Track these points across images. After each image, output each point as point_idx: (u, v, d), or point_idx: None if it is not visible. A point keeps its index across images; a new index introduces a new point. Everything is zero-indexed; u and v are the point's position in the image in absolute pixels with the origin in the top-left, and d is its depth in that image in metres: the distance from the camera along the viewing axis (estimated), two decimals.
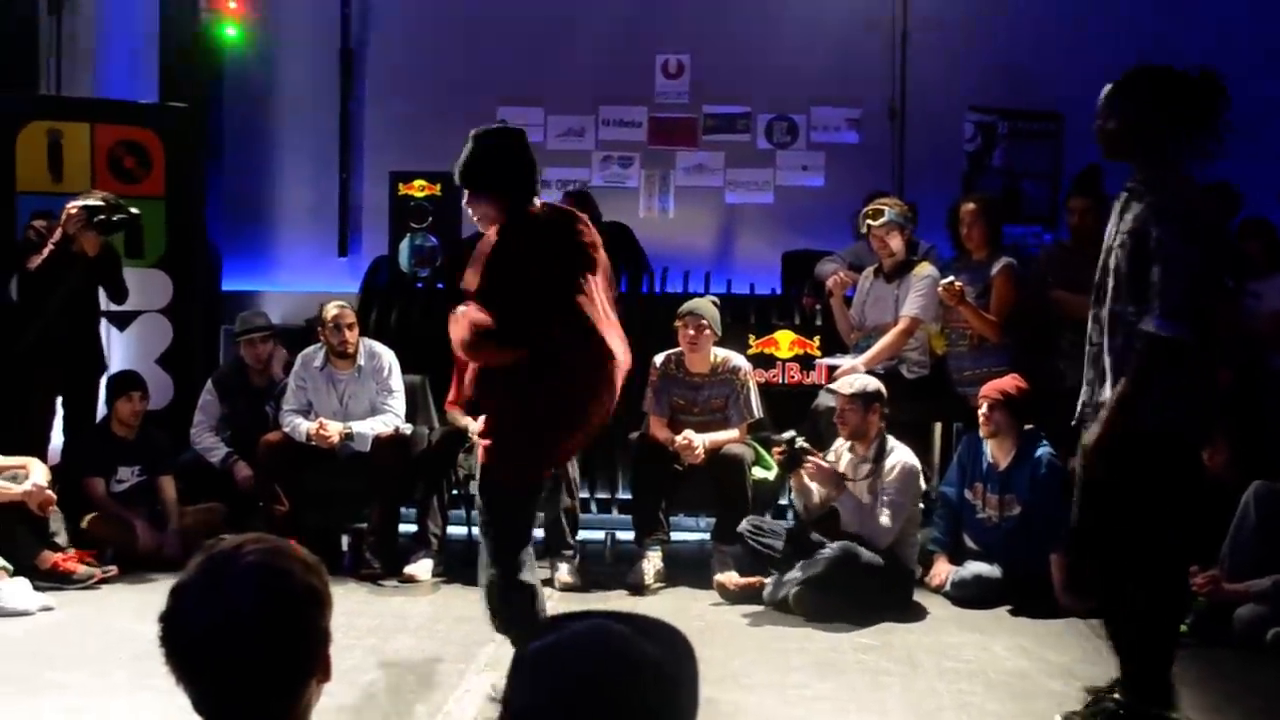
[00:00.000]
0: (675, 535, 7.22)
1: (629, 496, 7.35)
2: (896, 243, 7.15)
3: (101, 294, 7.40)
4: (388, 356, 7.30)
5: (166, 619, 1.87)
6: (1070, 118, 9.88)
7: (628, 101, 10.49)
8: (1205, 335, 4.19)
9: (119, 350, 7.99)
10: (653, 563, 6.67)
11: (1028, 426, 6.45)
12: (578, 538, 6.92)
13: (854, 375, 6.56)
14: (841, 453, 6.44)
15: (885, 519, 6.13)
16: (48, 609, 5.93)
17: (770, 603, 6.18)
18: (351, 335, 7.18)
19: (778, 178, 10.47)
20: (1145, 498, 4.26)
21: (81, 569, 6.39)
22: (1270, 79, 9.17)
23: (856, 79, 10.24)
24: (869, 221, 7.16)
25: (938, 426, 7.50)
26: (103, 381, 7.37)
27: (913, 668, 5.27)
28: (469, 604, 6.17)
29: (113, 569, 6.52)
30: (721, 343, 7.06)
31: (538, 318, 4.49)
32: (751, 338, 7.70)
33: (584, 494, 7.39)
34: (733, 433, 6.92)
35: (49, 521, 6.40)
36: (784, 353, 7.71)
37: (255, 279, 10.34)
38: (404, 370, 7.36)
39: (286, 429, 7.05)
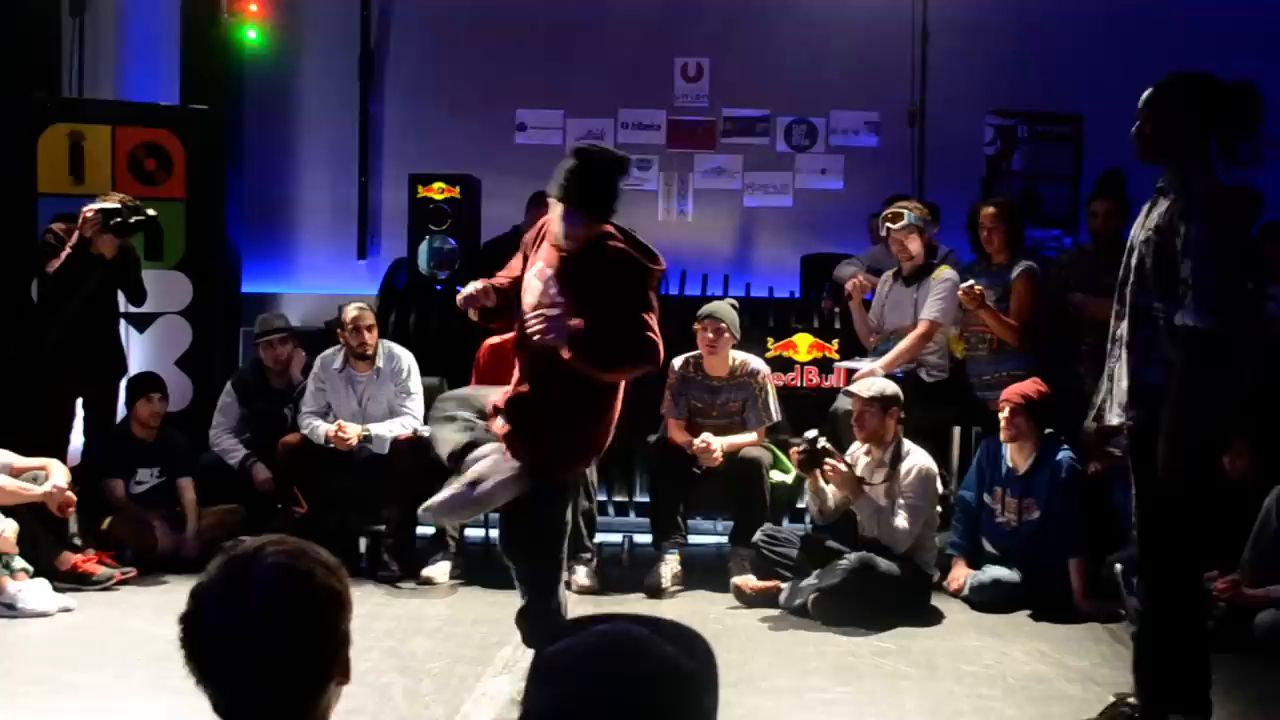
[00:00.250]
0: (693, 538, 7.21)
1: (647, 499, 7.34)
2: (915, 246, 7.14)
3: (120, 296, 7.42)
4: (407, 359, 7.31)
5: (187, 620, 1.88)
6: (1090, 120, 9.86)
7: (647, 104, 10.50)
8: (1236, 331, 4.19)
9: (138, 352, 8.02)
10: (670, 566, 6.67)
11: (1048, 431, 6.42)
12: (595, 540, 6.93)
13: (872, 378, 6.54)
14: (858, 456, 6.43)
15: (902, 522, 6.12)
16: (67, 610, 5.95)
17: (787, 608, 6.17)
18: (371, 337, 7.19)
19: (797, 181, 10.47)
20: (1193, 498, 4.28)
21: (101, 570, 6.41)
22: None
23: (875, 82, 10.22)
24: (888, 225, 7.15)
25: (956, 430, 7.48)
26: (122, 383, 7.39)
27: (931, 672, 5.26)
28: (486, 606, 6.20)
29: (132, 570, 6.54)
30: (740, 346, 7.05)
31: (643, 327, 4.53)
32: (770, 341, 7.69)
33: (601, 496, 7.39)
34: (751, 436, 6.91)
35: (69, 523, 6.42)
36: (802, 356, 7.69)
37: (275, 281, 10.37)
38: (422, 372, 7.37)
39: (305, 431, 7.07)
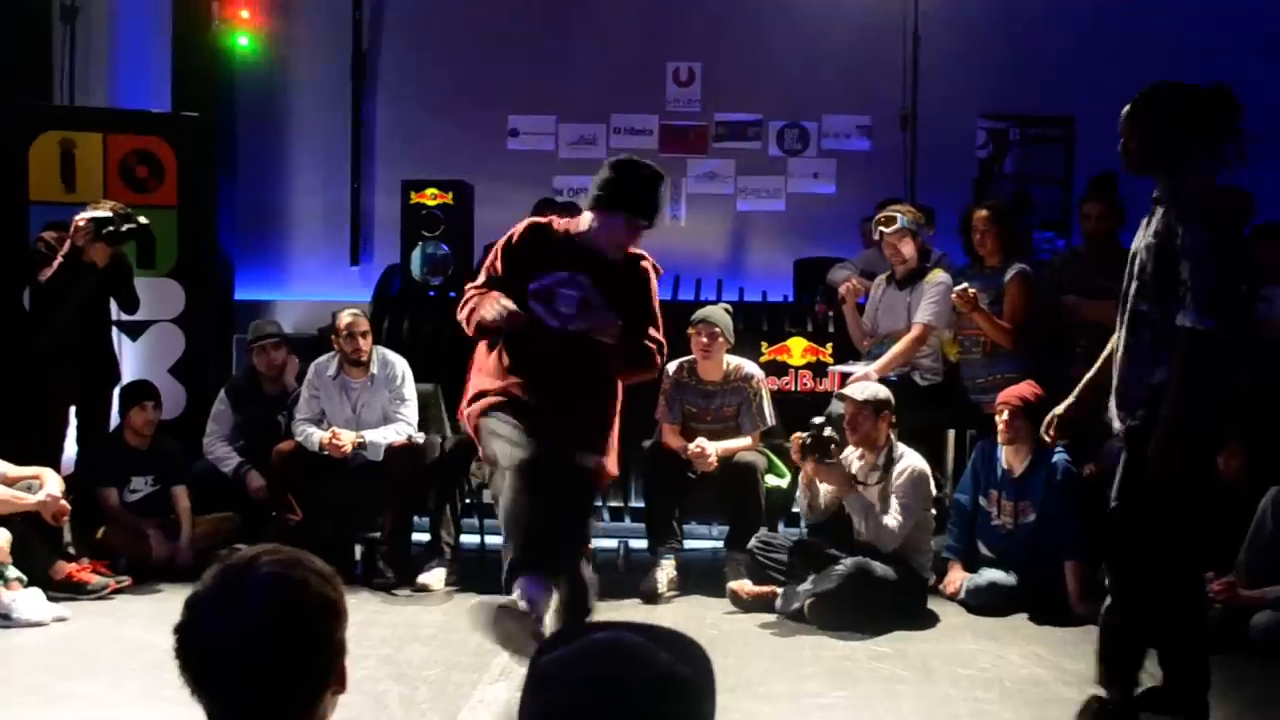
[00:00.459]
0: (688, 543, 7.21)
1: (642, 505, 7.34)
2: (909, 249, 7.14)
3: (113, 304, 7.41)
4: (401, 365, 7.30)
5: (181, 630, 1.87)
6: (1081, 123, 9.88)
7: (639, 109, 10.51)
8: (1232, 333, 4.21)
9: (132, 360, 8.01)
10: (666, 571, 6.66)
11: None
12: (590, 546, 6.91)
13: (865, 382, 6.54)
14: (851, 460, 6.43)
15: (891, 520, 6.10)
16: (62, 619, 5.93)
17: (783, 613, 6.16)
18: (365, 343, 7.18)
19: (789, 185, 10.48)
20: (1188, 499, 4.30)
21: (95, 579, 6.39)
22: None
23: (867, 86, 10.24)
24: (881, 228, 7.16)
25: (951, 434, 7.49)
26: (116, 391, 7.38)
27: (927, 676, 5.25)
28: None
29: (126, 579, 6.53)
30: (734, 350, 7.05)
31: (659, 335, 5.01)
32: (764, 345, 7.70)
33: (597, 502, 7.38)
34: (745, 440, 6.91)
35: (63, 532, 6.41)
36: (796, 360, 7.70)
37: (268, 288, 10.36)
38: (416, 379, 7.36)
39: (299, 438, 7.05)
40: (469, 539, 7.31)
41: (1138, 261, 4.37)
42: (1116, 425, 4.45)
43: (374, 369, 7.23)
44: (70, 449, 7.36)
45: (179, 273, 8.30)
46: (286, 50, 10.54)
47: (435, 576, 6.75)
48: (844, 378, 7.08)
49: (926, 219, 7.68)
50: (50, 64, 9.51)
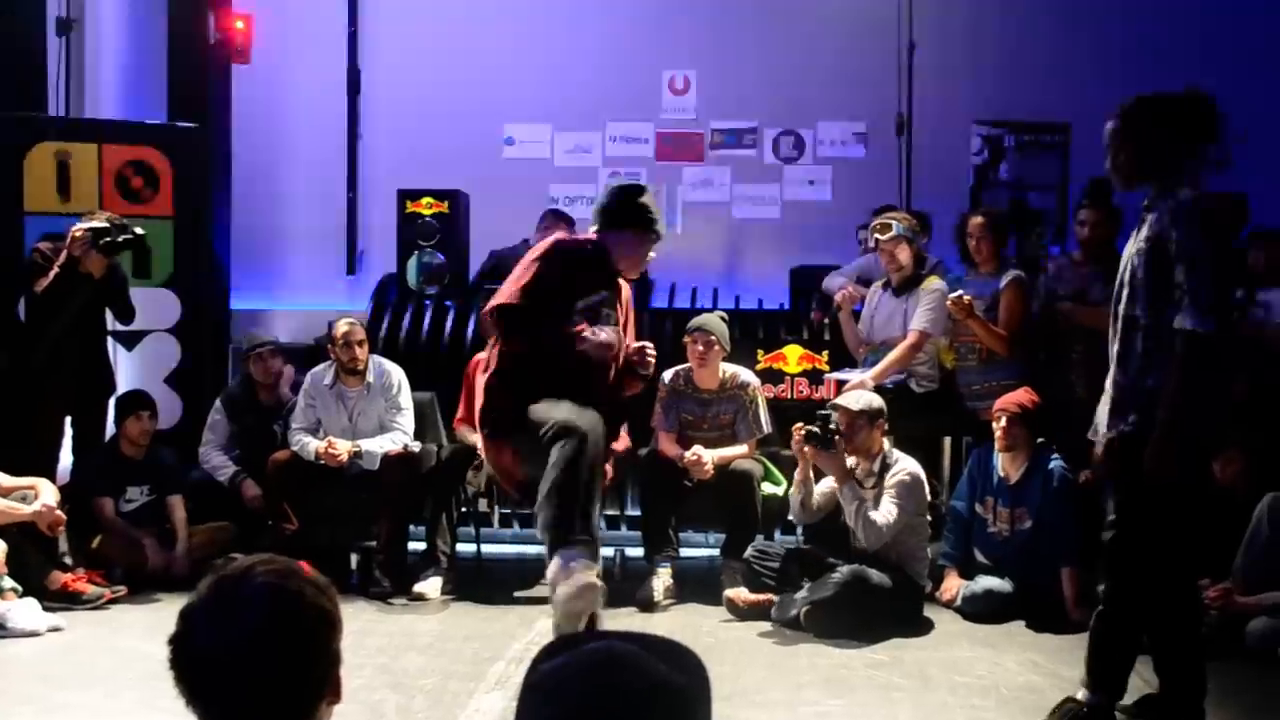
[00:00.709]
0: (684, 551, 7.21)
1: (638, 513, 7.34)
2: (904, 256, 7.14)
3: (109, 314, 7.41)
4: (397, 374, 7.30)
5: (176, 641, 1.86)
6: (1077, 130, 9.90)
7: (635, 118, 10.54)
8: (1229, 337, 4.23)
9: (127, 370, 8.00)
10: (662, 579, 6.66)
11: (1039, 440, 6.43)
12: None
13: (859, 391, 6.54)
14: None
15: (881, 517, 6.07)
16: (57, 629, 5.92)
17: (779, 621, 6.15)
18: (362, 352, 7.18)
19: (785, 192, 10.51)
20: (1184, 504, 4.31)
21: (91, 589, 6.38)
22: (1275, 87, 9.18)
23: (862, 93, 10.26)
24: (877, 235, 7.16)
25: (947, 440, 7.48)
26: (111, 401, 7.37)
27: (924, 683, 5.25)
28: (478, 622, 6.19)
29: (122, 589, 6.51)
30: (730, 358, 7.05)
31: None
32: (760, 353, 7.69)
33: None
34: (742, 448, 6.91)
35: (58, 542, 6.40)
36: (792, 368, 7.69)
37: (263, 297, 10.37)
38: (412, 388, 7.36)
39: (295, 448, 7.05)
40: (465, 548, 7.30)
41: (1129, 268, 4.37)
42: (1101, 431, 4.45)
43: (370, 378, 7.23)
44: (66, 459, 7.35)
45: (174, 283, 8.30)
46: (282, 60, 10.55)
47: (431, 585, 6.74)
48: (840, 385, 7.08)
49: (922, 226, 7.68)
50: (45, 75, 9.50)
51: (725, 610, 6.40)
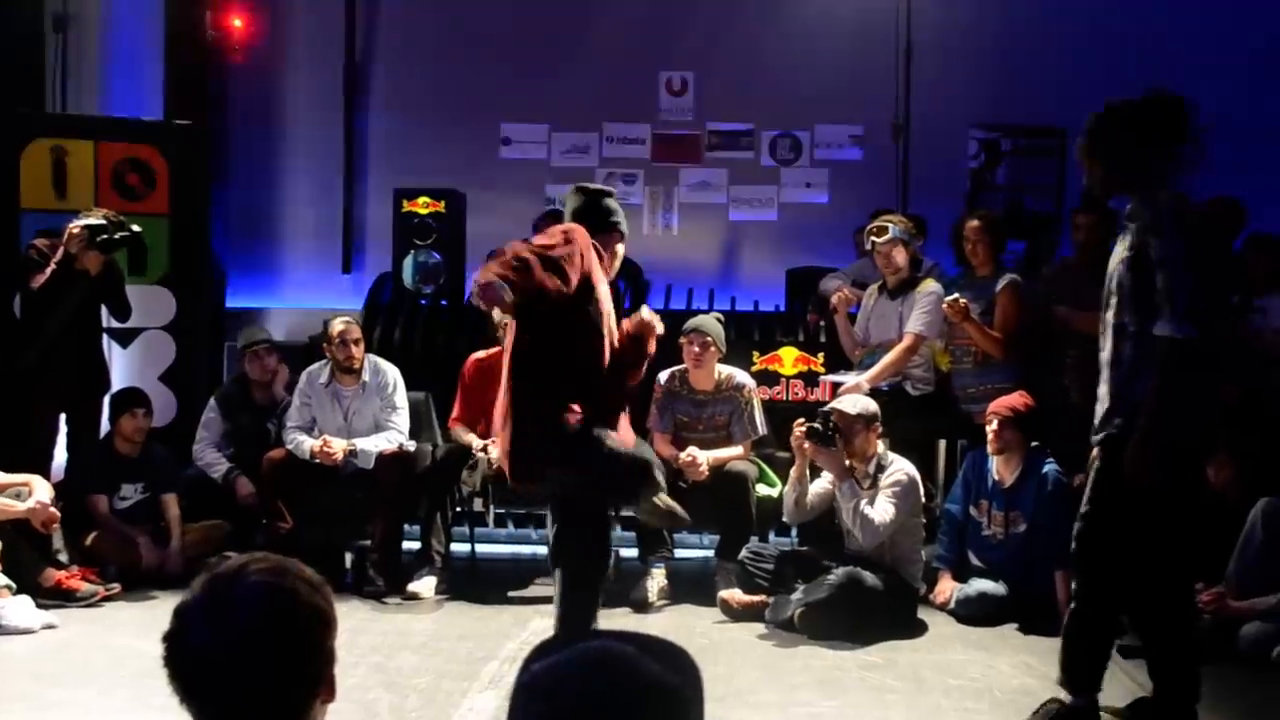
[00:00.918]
0: (679, 552, 7.21)
1: (632, 514, 7.33)
2: (900, 259, 7.14)
3: (104, 311, 7.40)
4: (392, 373, 7.30)
5: (170, 639, 1.86)
6: (1073, 134, 9.87)
7: (632, 118, 10.53)
8: (1212, 341, 4.23)
9: (122, 367, 7.99)
10: (656, 580, 6.66)
11: (1034, 443, 6.43)
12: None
13: (854, 395, 6.54)
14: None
15: (878, 515, 6.07)
16: (51, 627, 5.91)
17: (773, 623, 6.15)
18: (357, 351, 7.18)
19: (782, 194, 10.51)
20: (1149, 506, 4.30)
21: (84, 587, 6.37)
22: (1273, 93, 9.19)
23: (860, 96, 10.27)
24: (873, 238, 7.16)
25: (942, 443, 7.49)
26: (106, 399, 7.36)
27: (918, 685, 5.25)
28: (472, 621, 6.19)
29: (116, 586, 6.50)
30: (726, 360, 7.05)
31: None
32: (756, 355, 7.69)
33: None
34: (737, 450, 6.91)
35: (52, 539, 6.39)
36: (788, 370, 7.70)
37: (259, 296, 10.36)
38: (408, 387, 7.36)
39: (290, 446, 7.05)
40: (459, 547, 7.30)
41: (1114, 278, 4.39)
42: (1095, 438, 4.46)
43: (365, 377, 7.22)
44: (60, 456, 7.34)
45: (170, 280, 8.28)
46: (279, 58, 10.55)
47: (426, 585, 6.73)
48: (836, 387, 7.09)
49: (918, 229, 7.69)
50: (42, 71, 9.51)
51: (719, 611, 6.40)
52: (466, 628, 6.06)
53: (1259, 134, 8.77)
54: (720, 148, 10.55)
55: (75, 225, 6.97)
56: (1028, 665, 5.53)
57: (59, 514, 6.31)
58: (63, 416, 7.29)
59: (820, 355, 7.71)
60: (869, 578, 6.04)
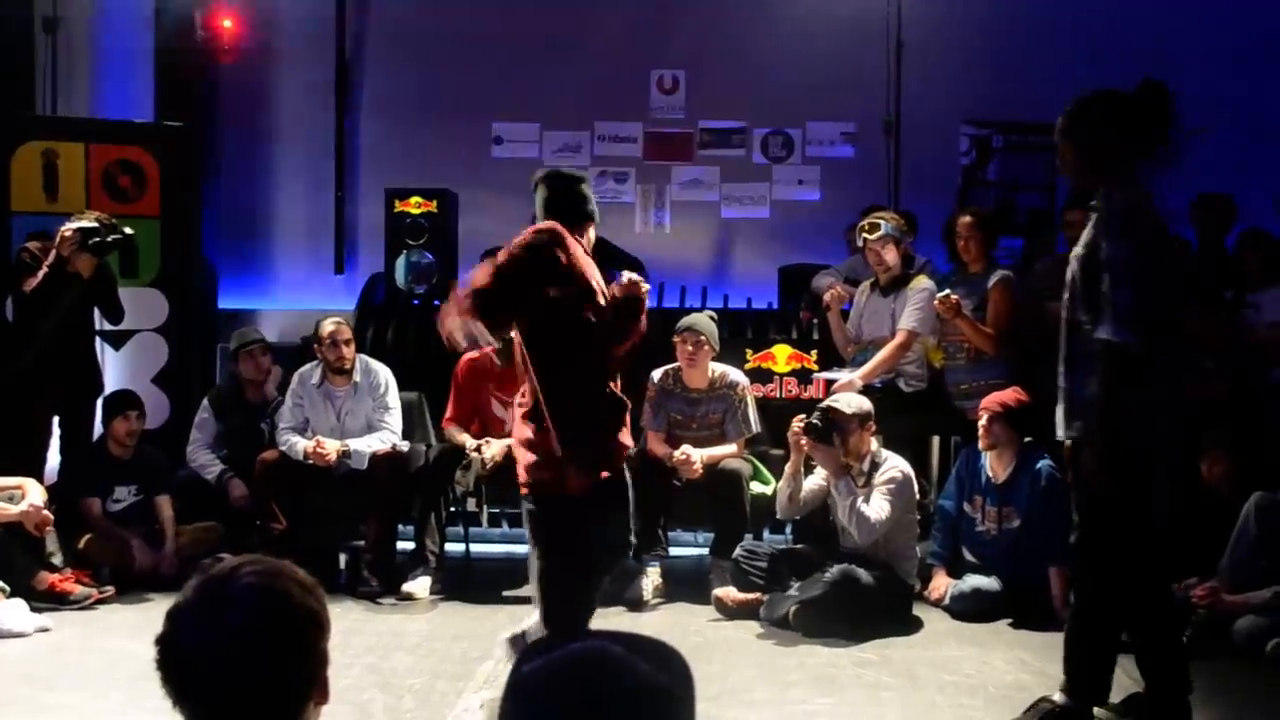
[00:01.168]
0: (673, 550, 7.22)
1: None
2: (892, 256, 7.14)
3: (97, 314, 7.39)
4: (384, 373, 7.29)
5: (163, 642, 1.86)
6: None
7: (623, 117, 10.53)
8: (1164, 343, 4.20)
9: (115, 369, 7.98)
10: (651, 578, 6.66)
11: (1027, 439, 6.44)
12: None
13: (849, 394, 6.54)
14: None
15: (873, 511, 6.08)
16: (44, 630, 5.90)
17: (768, 620, 6.16)
18: (348, 351, 7.17)
19: (774, 192, 10.50)
20: (1132, 510, 4.30)
21: (78, 589, 6.36)
22: (1270, 89, 9.20)
23: (851, 93, 10.26)
24: (865, 235, 7.16)
25: (935, 440, 7.49)
26: (99, 401, 7.35)
27: (912, 682, 5.26)
28: (467, 621, 6.19)
29: (109, 589, 6.50)
30: (719, 358, 7.05)
31: None
32: (749, 352, 7.70)
33: None
34: (730, 448, 6.91)
35: (45, 542, 6.38)
36: (781, 367, 7.71)
37: (251, 297, 10.34)
38: (400, 387, 7.35)
39: (283, 447, 7.04)
40: (454, 547, 7.29)
41: (1071, 272, 4.38)
42: (1060, 435, 4.47)
43: (357, 377, 7.22)
44: (53, 459, 7.33)
45: (162, 282, 8.28)
46: (270, 59, 10.53)
47: (420, 585, 6.73)
48: (829, 385, 7.09)
49: (910, 225, 7.70)
50: (32, 74, 9.49)
51: (714, 609, 6.41)
52: (461, 628, 6.06)
53: (1250, 130, 8.81)
54: (712, 145, 10.54)
55: (67, 228, 6.96)
56: (1022, 661, 5.54)
57: (52, 517, 6.31)
58: (56, 419, 7.28)
59: (813, 353, 7.72)
60: (863, 575, 6.04)
